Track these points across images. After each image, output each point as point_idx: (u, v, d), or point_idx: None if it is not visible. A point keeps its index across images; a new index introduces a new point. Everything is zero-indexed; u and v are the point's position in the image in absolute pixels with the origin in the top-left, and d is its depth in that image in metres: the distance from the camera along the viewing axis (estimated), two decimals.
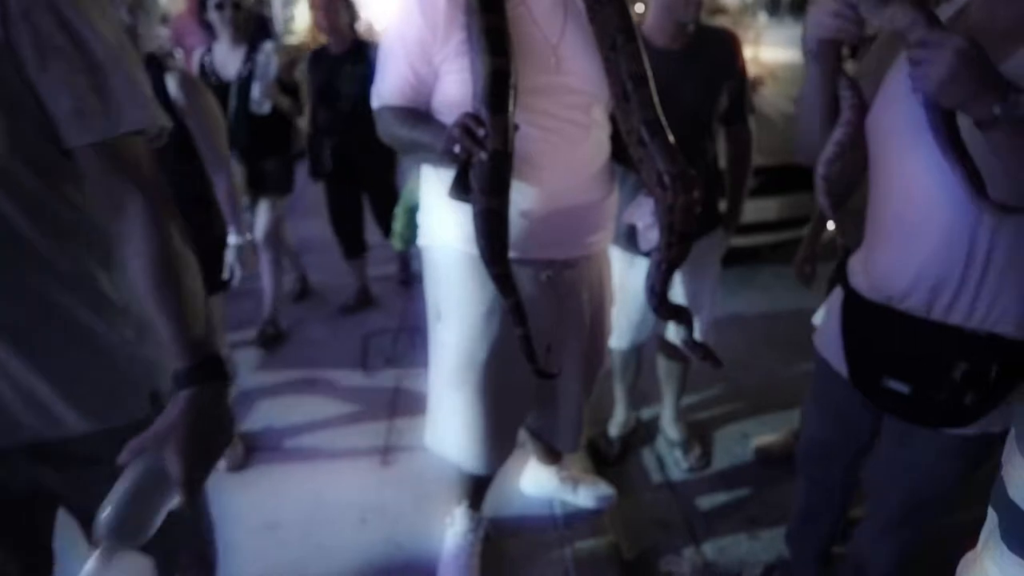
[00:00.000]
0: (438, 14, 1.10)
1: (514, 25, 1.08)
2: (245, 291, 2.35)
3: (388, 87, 1.19)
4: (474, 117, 1.02)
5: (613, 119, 1.23)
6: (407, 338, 2.74)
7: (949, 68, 0.76)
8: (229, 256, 1.88)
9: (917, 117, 0.87)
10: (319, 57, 2.76)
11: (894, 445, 1.15)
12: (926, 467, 1.11)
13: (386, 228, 2.96)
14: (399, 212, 2.74)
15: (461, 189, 1.07)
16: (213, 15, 2.52)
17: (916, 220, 0.97)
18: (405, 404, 2.28)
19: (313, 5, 2.72)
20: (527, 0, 1.14)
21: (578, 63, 1.17)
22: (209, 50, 2.61)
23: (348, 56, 2.70)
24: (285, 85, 2.62)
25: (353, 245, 3.04)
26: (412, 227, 2.55)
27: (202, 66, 2.60)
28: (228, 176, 1.84)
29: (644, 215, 1.15)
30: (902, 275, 1.01)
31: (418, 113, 1.18)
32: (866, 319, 1.09)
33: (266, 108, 2.53)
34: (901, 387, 1.04)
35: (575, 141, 1.19)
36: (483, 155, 1.00)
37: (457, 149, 1.01)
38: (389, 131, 1.21)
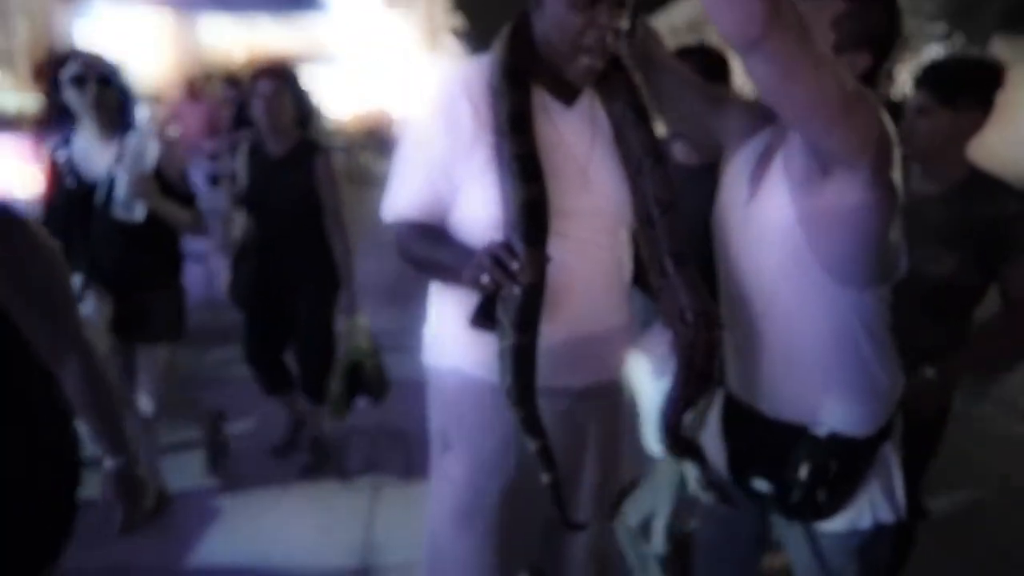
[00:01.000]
0: (463, 132, 1.08)
1: (543, 145, 1.06)
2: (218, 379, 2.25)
3: (404, 200, 1.15)
4: (507, 247, 0.98)
5: (635, 240, 1.22)
6: (388, 440, 2.62)
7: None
8: (106, 488, 1.17)
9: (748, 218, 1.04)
10: (252, 156, 2.30)
11: (786, 544, 1.19)
12: (817, 567, 1.12)
13: (314, 390, 2.34)
14: (338, 369, 2.24)
15: (485, 319, 1.04)
16: (70, 94, 1.84)
17: (731, 314, 1.08)
18: (385, 517, 2.14)
19: (255, 93, 2.18)
20: (555, 119, 1.13)
21: (606, 184, 1.15)
22: (67, 142, 1.90)
23: (287, 161, 2.23)
24: (173, 187, 1.95)
25: (276, 377, 2.43)
26: (353, 390, 2.28)
27: (55, 164, 1.90)
28: (86, 365, 1.12)
29: (660, 346, 1.13)
30: (740, 374, 1.09)
31: (437, 231, 1.14)
32: (735, 417, 1.16)
33: (138, 214, 1.84)
34: (764, 485, 1.10)
35: (599, 265, 1.17)
36: (516, 289, 0.98)
37: (486, 279, 0.97)
38: (406, 249, 1.18)
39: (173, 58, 9.38)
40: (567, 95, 1.13)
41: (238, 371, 3.05)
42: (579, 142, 1.14)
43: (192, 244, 4.01)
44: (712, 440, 1.20)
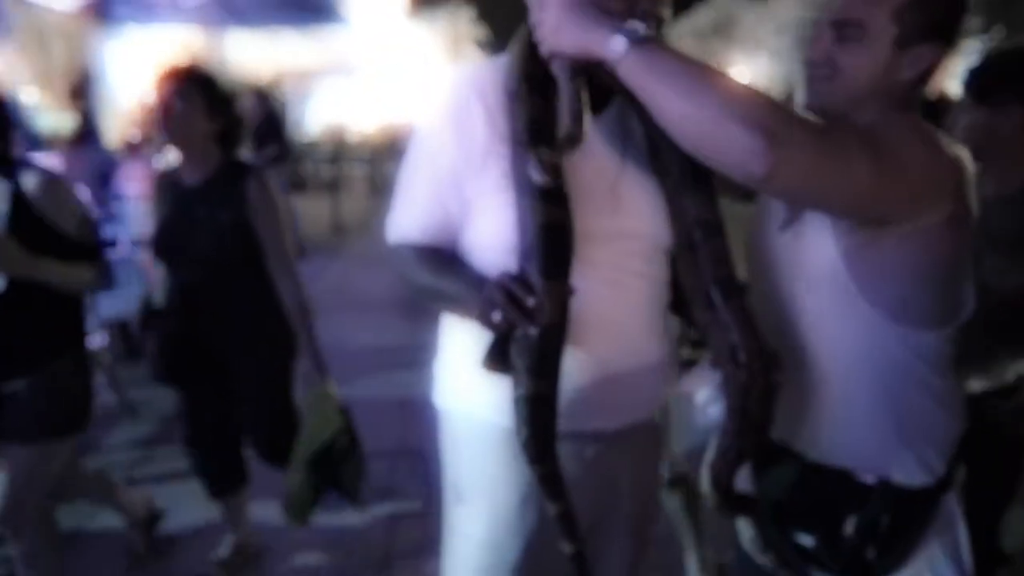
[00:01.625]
0: (475, 143, 0.96)
1: (567, 160, 0.91)
2: None
3: (409, 221, 1.05)
4: (522, 280, 0.87)
5: (673, 264, 1.07)
6: (406, 465, 2.55)
7: (555, 14, 0.83)
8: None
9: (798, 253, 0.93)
10: (164, 188, 1.78)
11: None
12: None
13: (275, 453, 1.82)
14: (299, 457, 1.67)
15: (498, 361, 0.93)
16: None
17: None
18: (403, 549, 2.06)
19: (157, 105, 1.68)
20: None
21: (639, 203, 1.01)
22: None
23: (207, 190, 1.70)
24: (62, 238, 1.52)
25: (224, 477, 1.91)
26: (319, 485, 1.67)
27: None
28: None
29: (705, 388, 1.02)
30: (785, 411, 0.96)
31: (445, 256, 1.03)
32: (769, 459, 1.02)
33: None
34: (807, 540, 0.98)
35: (631, 295, 1.03)
36: (532, 330, 0.87)
37: (497, 318, 0.86)
38: (409, 276, 1.06)
39: None
40: (596, 100, 0.96)
41: None
42: (609, 155, 1.00)
43: None
44: (740, 485, 1.07)
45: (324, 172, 7.91)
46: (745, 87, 0.79)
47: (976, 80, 1.41)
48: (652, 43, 0.80)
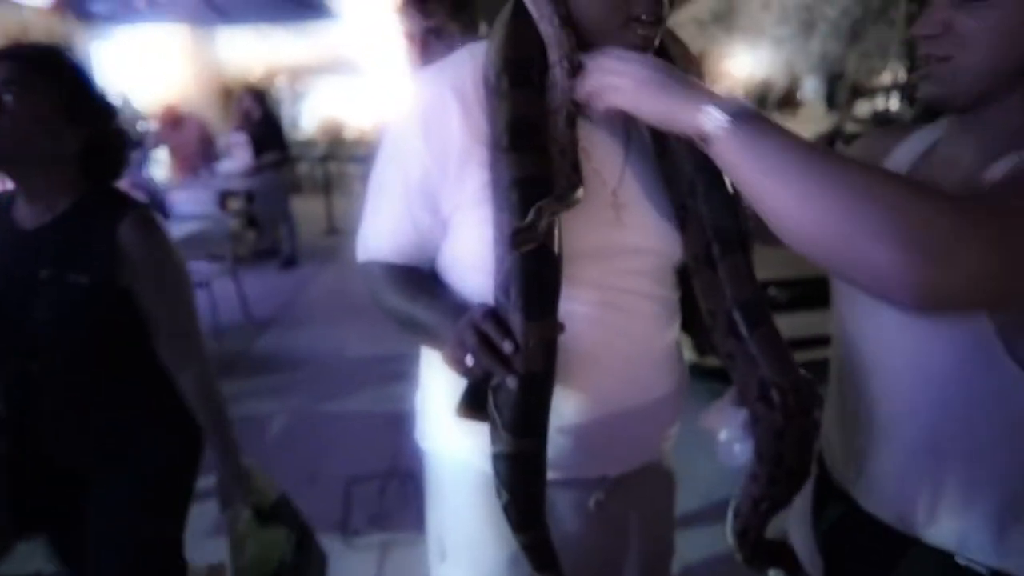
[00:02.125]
0: (450, 145, 0.81)
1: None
2: None
3: (378, 238, 0.91)
4: (495, 318, 0.73)
5: (684, 278, 0.92)
6: (398, 487, 2.40)
7: (636, 75, 0.69)
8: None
9: None
10: None
11: None
12: None
13: None
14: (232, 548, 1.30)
15: (474, 409, 0.78)
16: None
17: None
18: None
19: None
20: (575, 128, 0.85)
21: (644, 212, 0.86)
22: None
23: (56, 237, 1.12)
24: None
25: None
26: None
27: None
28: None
29: (730, 426, 0.85)
30: (840, 446, 0.80)
31: (420, 278, 0.89)
32: (830, 500, 0.85)
33: None
34: None
35: (636, 321, 0.88)
36: (511, 380, 0.72)
37: (470, 361, 0.73)
38: (379, 299, 0.92)
39: (193, 73, 9.40)
40: None
41: (247, 408, 2.89)
42: (608, 158, 0.86)
43: (196, 267, 3.94)
44: (799, 525, 0.91)
45: (319, 172, 7.76)
46: (884, 176, 0.60)
47: None
48: (756, 120, 0.63)
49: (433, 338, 0.84)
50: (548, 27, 0.77)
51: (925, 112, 0.81)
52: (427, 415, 1.01)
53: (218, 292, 3.80)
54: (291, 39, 9.65)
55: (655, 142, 0.88)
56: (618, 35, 0.78)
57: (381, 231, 0.91)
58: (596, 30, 0.79)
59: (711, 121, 0.63)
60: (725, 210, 0.83)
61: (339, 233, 6.50)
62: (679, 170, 0.86)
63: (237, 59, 10.48)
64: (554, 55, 0.78)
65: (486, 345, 0.71)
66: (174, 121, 5.70)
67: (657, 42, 0.81)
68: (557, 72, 0.78)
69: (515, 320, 0.72)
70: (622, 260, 0.86)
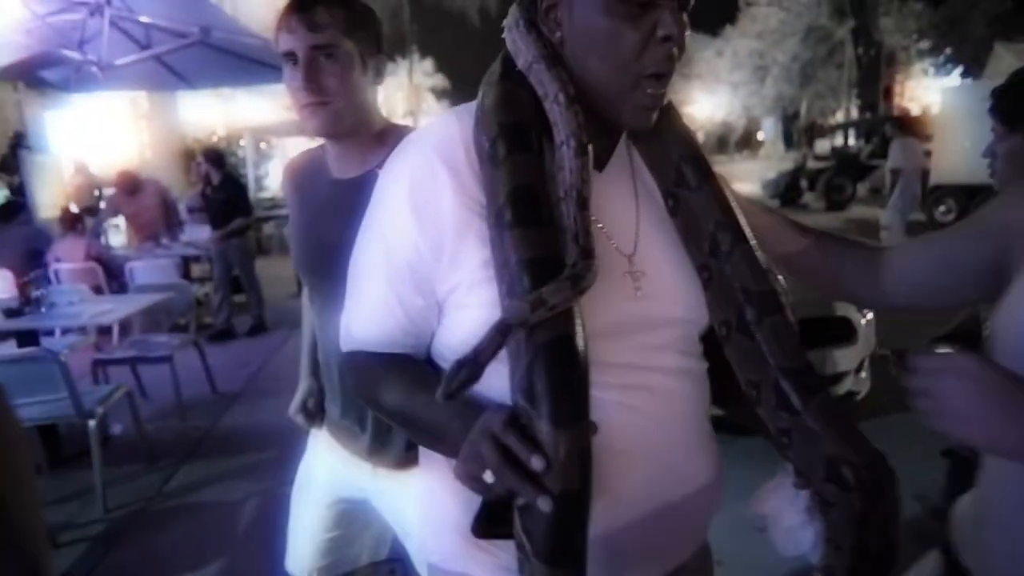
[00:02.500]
0: (443, 221, 0.71)
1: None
2: None
3: (364, 324, 0.79)
4: (518, 427, 0.61)
5: (709, 343, 0.81)
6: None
7: (956, 399, 0.63)
8: None
9: None
10: None
11: None
12: None
13: None
14: None
15: (495, 527, 0.66)
16: None
17: None
18: None
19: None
20: None
21: (664, 279, 0.77)
22: None
23: None
24: None
25: None
26: None
27: None
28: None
29: (787, 508, 0.74)
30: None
31: (416, 370, 0.77)
32: None
33: None
34: None
35: (667, 400, 0.77)
36: (544, 503, 0.59)
37: (491, 479, 0.61)
38: (370, 395, 0.80)
39: (152, 137, 9.23)
40: (596, 153, 0.73)
41: (215, 493, 2.65)
42: (620, 220, 0.78)
43: (158, 340, 3.68)
44: None
45: (286, 233, 7.58)
46: None
47: (1002, 107, 1.36)
48: None
49: (438, 442, 0.74)
50: (554, 106, 0.71)
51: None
52: (429, 527, 0.84)
53: (182, 365, 3.54)
54: (254, 99, 9.58)
55: (667, 196, 0.80)
56: (628, 97, 0.72)
57: (367, 317, 0.79)
58: (604, 95, 0.72)
59: None
60: (754, 268, 0.75)
61: None
62: (698, 227, 0.78)
63: (199, 120, 10.36)
64: (560, 134, 0.70)
65: (510, 461, 0.60)
66: (132, 187, 5.46)
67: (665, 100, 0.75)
68: (564, 152, 0.70)
69: (543, 428, 0.61)
70: (645, 335, 0.76)
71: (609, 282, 0.72)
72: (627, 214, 0.78)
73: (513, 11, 0.75)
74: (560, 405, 0.62)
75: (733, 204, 0.78)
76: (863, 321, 2.81)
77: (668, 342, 0.78)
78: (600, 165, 0.77)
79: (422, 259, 0.72)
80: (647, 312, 0.75)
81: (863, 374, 2.85)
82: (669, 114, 0.78)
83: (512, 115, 0.71)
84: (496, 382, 0.67)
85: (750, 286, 0.74)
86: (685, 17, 0.70)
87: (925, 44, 19.65)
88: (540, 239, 0.66)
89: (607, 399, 0.71)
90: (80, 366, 3.59)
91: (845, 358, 2.72)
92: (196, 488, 2.77)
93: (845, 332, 2.76)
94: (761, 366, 0.73)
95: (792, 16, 22.78)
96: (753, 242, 0.76)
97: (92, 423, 2.57)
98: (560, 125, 0.70)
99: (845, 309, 2.76)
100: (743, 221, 0.77)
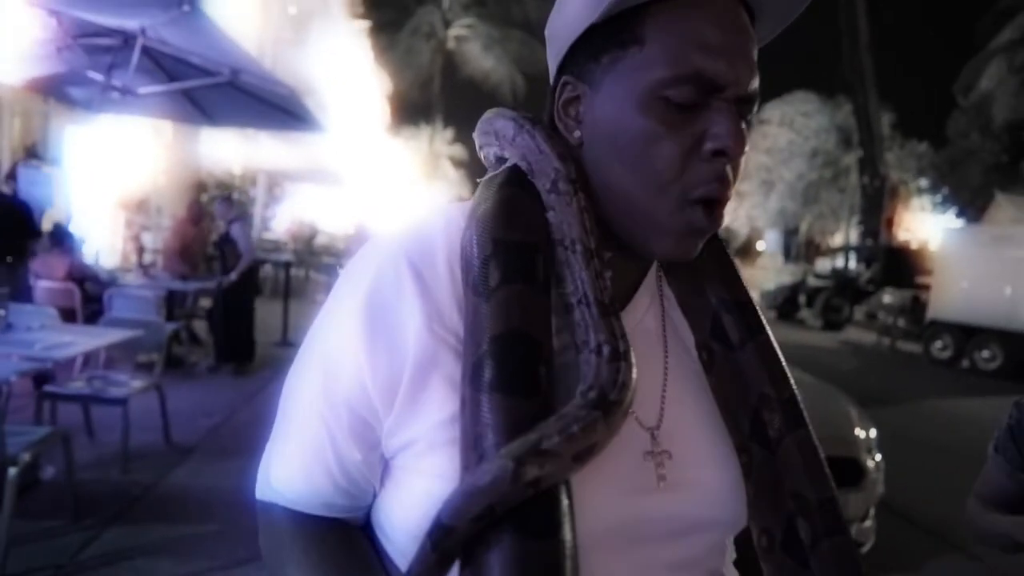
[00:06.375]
0: (402, 351, 0.52)
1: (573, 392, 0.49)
2: None
3: (288, 472, 0.58)
4: None
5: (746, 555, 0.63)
6: None
7: None
8: None
9: None
10: None
11: None
12: None
13: None
14: None
15: None
16: None
17: None
18: None
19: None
20: None
21: (696, 465, 0.57)
22: None
23: None
24: None
25: None
26: None
27: None
28: None
29: None
30: None
31: (344, 550, 0.57)
32: None
33: None
34: None
35: None
36: None
37: None
38: (275, 569, 0.58)
39: (169, 164, 9.32)
40: (617, 287, 0.55)
41: (135, 567, 2.35)
42: (642, 381, 0.51)
43: (118, 377, 3.46)
44: None
45: (283, 276, 7.50)
46: None
47: None
48: None
49: None
50: (552, 195, 0.55)
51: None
52: None
53: (140, 407, 3.30)
54: (275, 143, 9.73)
55: (702, 347, 0.61)
56: (664, 223, 0.53)
57: (291, 461, 0.57)
58: (631, 215, 0.54)
59: None
60: (812, 465, 0.56)
61: (293, 347, 6.09)
62: (737, 396, 0.58)
63: (218, 156, 10.48)
64: (564, 234, 0.54)
65: None
66: (198, 217, 5.88)
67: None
68: (572, 259, 0.53)
69: None
70: (665, 544, 0.55)
71: (621, 464, 0.53)
72: (653, 370, 0.58)
73: (508, 113, 0.59)
74: None
75: (786, 370, 0.59)
76: (871, 464, 2.55)
77: (694, 558, 0.57)
78: (622, 302, 0.59)
79: (366, 400, 0.53)
80: (670, 510, 0.55)
81: (868, 523, 2.55)
82: (709, 243, 0.58)
83: (514, 231, 0.53)
84: None
85: (806, 492, 0.55)
86: (744, 126, 0.52)
87: (925, 182, 20.52)
88: (531, 413, 0.46)
89: None
90: (29, 390, 3.35)
91: (850, 504, 2.41)
92: (117, 559, 2.37)
93: (852, 475, 2.48)
94: None
95: (801, 139, 23.89)
96: (810, 427, 0.57)
97: (13, 471, 2.19)
98: (565, 225, 0.53)
99: (853, 449, 2.52)
100: (799, 396, 0.58)
